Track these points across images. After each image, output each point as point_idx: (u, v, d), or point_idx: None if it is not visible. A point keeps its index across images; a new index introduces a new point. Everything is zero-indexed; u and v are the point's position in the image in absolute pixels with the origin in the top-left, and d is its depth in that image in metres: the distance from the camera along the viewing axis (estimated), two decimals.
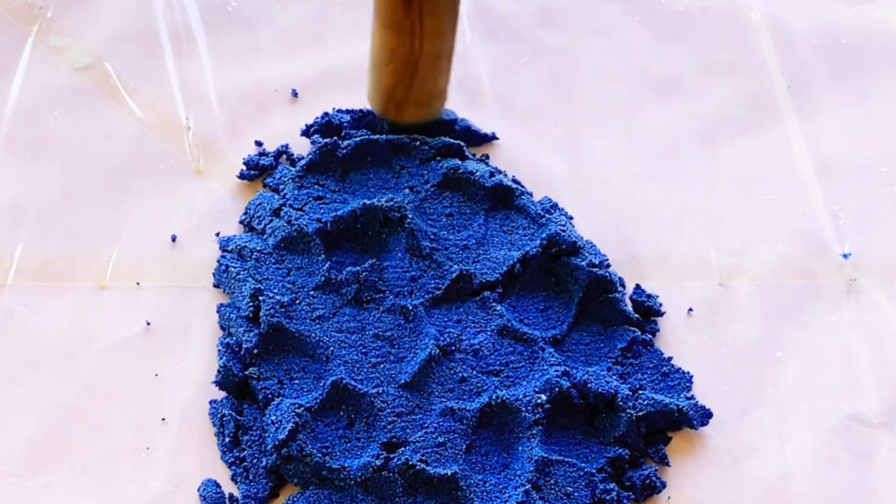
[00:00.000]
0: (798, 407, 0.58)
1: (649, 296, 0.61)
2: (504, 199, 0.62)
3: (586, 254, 0.60)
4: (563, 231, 0.60)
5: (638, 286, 0.61)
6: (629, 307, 0.60)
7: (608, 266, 0.61)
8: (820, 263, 0.63)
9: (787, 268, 0.63)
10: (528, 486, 0.53)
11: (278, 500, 0.54)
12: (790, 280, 0.63)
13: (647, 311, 0.60)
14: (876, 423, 0.58)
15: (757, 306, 0.61)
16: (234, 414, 0.55)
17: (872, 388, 0.59)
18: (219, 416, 0.56)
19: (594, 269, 0.59)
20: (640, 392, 0.56)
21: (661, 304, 0.61)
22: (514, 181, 0.64)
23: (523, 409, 0.55)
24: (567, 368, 0.56)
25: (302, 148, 0.66)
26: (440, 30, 0.58)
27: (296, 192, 0.62)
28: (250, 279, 0.59)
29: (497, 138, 0.67)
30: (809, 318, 0.61)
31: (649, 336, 0.59)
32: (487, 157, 0.66)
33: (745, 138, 0.68)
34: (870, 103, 0.70)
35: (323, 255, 0.59)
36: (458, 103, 0.68)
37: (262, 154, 0.65)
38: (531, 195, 0.63)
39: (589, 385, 0.55)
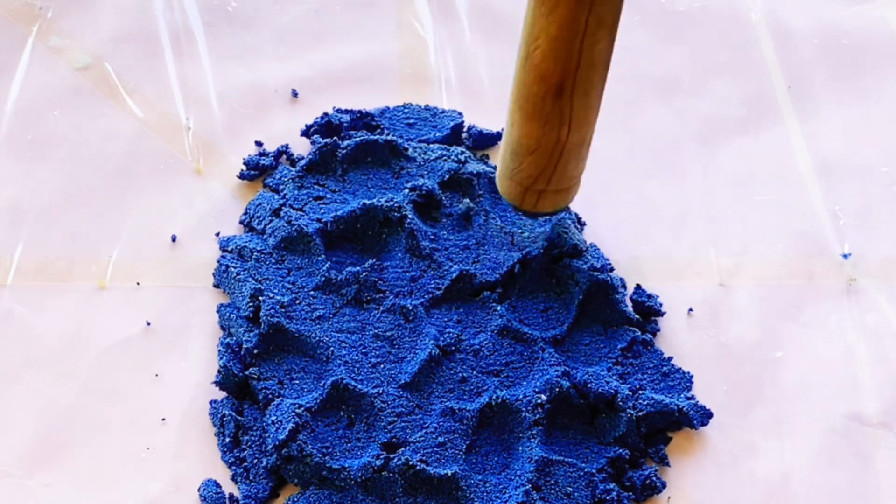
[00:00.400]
0: (798, 407, 0.58)
1: (650, 296, 0.61)
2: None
3: (588, 257, 0.60)
4: (566, 233, 0.60)
5: (638, 286, 0.61)
6: (629, 307, 0.60)
7: (611, 270, 0.61)
8: (820, 263, 0.63)
9: (787, 268, 0.63)
10: (529, 487, 0.53)
11: (278, 501, 0.54)
12: (790, 280, 0.63)
13: (648, 311, 0.60)
14: (876, 423, 0.58)
15: (757, 306, 0.61)
16: (234, 414, 0.55)
17: (872, 388, 0.59)
18: (219, 416, 0.56)
19: (595, 273, 0.59)
20: (640, 392, 0.56)
21: (661, 305, 0.61)
22: None
23: (523, 409, 0.55)
24: (567, 369, 0.56)
25: (302, 148, 0.66)
26: (589, 117, 0.54)
27: (296, 192, 0.62)
28: (250, 279, 0.59)
29: None
30: (809, 318, 0.61)
31: (649, 336, 0.59)
32: (487, 156, 0.66)
33: (745, 138, 0.68)
34: (870, 103, 0.70)
35: (323, 255, 0.59)
36: (459, 103, 0.68)
37: (262, 154, 0.65)
38: None
39: (589, 385, 0.56)
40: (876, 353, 0.60)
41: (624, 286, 0.60)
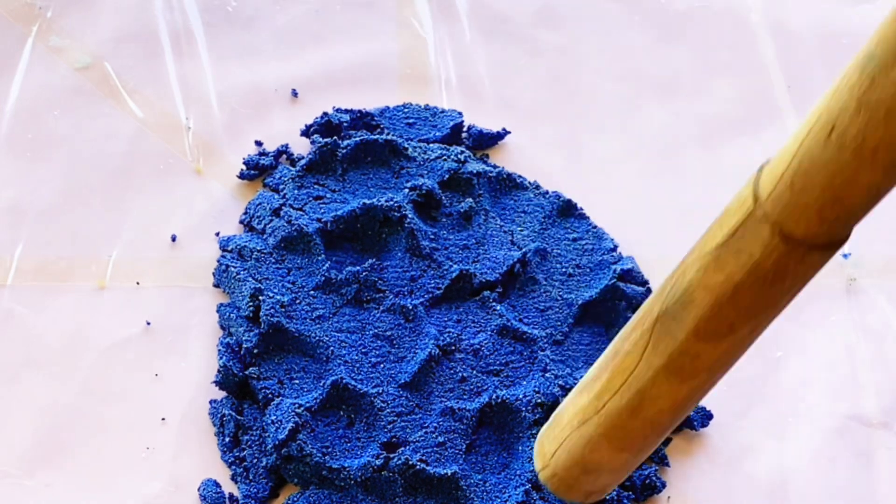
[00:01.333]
0: (798, 407, 0.58)
1: None
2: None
3: (635, 277, 0.60)
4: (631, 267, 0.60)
5: (648, 289, 0.61)
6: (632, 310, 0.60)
7: (644, 283, 0.61)
8: None
9: None
10: (529, 486, 0.53)
11: (278, 500, 0.54)
12: None
13: None
14: (876, 423, 0.58)
15: None
16: (234, 414, 0.55)
17: (872, 388, 0.59)
18: (219, 415, 0.56)
19: (641, 293, 0.59)
20: None
21: None
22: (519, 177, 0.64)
23: (523, 408, 0.55)
24: (568, 371, 0.56)
25: (302, 148, 0.66)
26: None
27: (296, 191, 0.62)
28: (250, 279, 0.59)
29: (509, 132, 0.67)
30: (809, 318, 0.61)
31: None
32: (487, 156, 0.66)
33: (745, 138, 0.68)
34: None
35: (323, 255, 0.59)
36: (459, 103, 0.68)
37: (262, 154, 0.65)
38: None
39: None
40: (876, 353, 0.60)
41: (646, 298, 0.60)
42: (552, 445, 0.48)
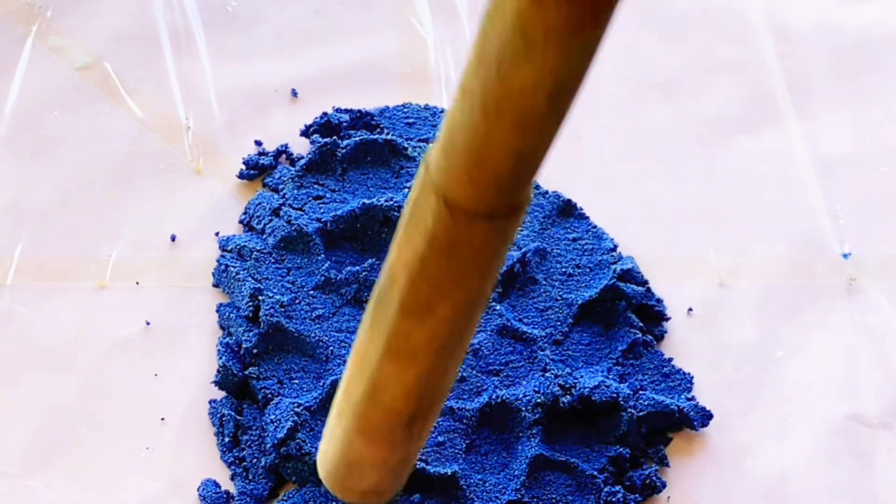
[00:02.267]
0: (798, 407, 0.58)
1: (658, 300, 0.60)
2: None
3: (635, 277, 0.60)
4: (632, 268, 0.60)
5: (648, 289, 0.61)
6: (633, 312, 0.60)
7: (644, 283, 0.61)
8: (820, 263, 0.63)
9: (787, 268, 0.63)
10: (524, 489, 0.53)
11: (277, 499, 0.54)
12: (790, 280, 0.63)
13: (655, 314, 0.60)
14: (876, 423, 0.58)
15: (757, 306, 0.61)
16: (233, 414, 0.55)
17: (872, 388, 0.59)
18: (218, 415, 0.56)
19: (640, 293, 0.59)
20: (640, 392, 0.56)
21: (665, 308, 0.60)
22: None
23: (523, 408, 0.55)
24: (568, 371, 0.56)
25: (301, 148, 0.66)
26: (431, 425, 0.45)
27: (295, 191, 0.62)
28: (250, 279, 0.59)
29: None
30: (809, 318, 0.61)
31: (650, 337, 0.59)
32: None
33: (745, 138, 0.68)
34: (870, 103, 0.70)
35: (323, 255, 0.59)
36: None
37: (262, 154, 0.65)
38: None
39: (592, 398, 0.55)
40: (876, 353, 0.60)
41: (645, 298, 0.60)
42: (324, 442, 0.47)
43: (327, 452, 0.46)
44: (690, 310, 0.61)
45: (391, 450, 0.44)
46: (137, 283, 0.61)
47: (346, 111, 0.66)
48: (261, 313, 0.57)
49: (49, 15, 0.71)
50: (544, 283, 0.60)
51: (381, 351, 0.40)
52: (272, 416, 0.54)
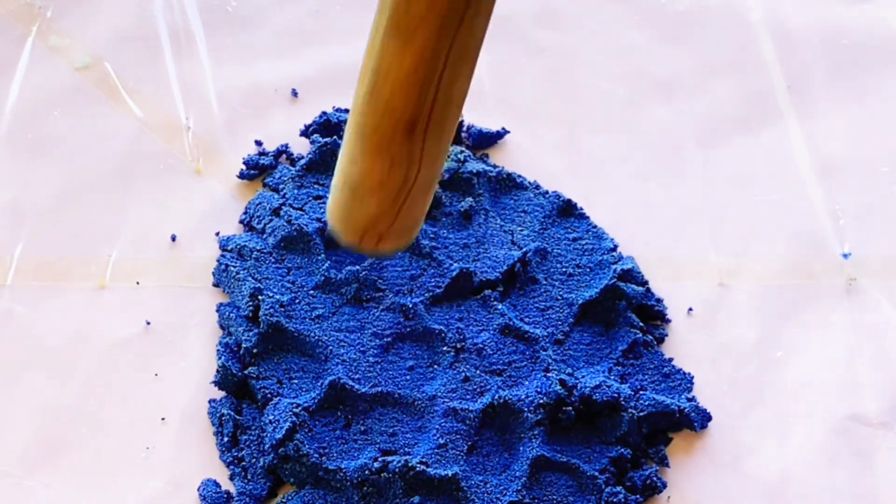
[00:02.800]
0: (798, 407, 0.58)
1: (658, 300, 0.60)
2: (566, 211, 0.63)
3: (635, 277, 0.60)
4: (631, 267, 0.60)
5: (648, 289, 0.61)
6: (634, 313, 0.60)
7: (644, 283, 0.61)
8: (820, 263, 0.63)
9: (787, 268, 0.63)
10: (525, 490, 0.53)
11: (276, 500, 0.54)
12: (790, 280, 0.63)
13: (655, 314, 0.60)
14: (876, 423, 0.58)
15: (757, 306, 0.61)
16: (233, 413, 0.55)
17: (872, 388, 0.59)
18: (218, 415, 0.56)
19: (640, 293, 0.59)
20: (641, 392, 0.56)
21: (665, 308, 0.60)
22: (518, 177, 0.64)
23: (525, 409, 0.55)
24: (569, 371, 0.56)
25: (301, 148, 0.66)
26: (440, 154, 0.47)
27: (295, 191, 0.62)
28: (250, 278, 0.59)
29: (508, 131, 0.67)
30: (809, 318, 0.61)
31: (650, 337, 0.59)
32: (487, 156, 0.66)
33: (745, 138, 0.68)
34: (870, 103, 0.70)
35: (323, 255, 0.59)
36: None
37: (262, 154, 0.65)
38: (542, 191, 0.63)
39: (594, 398, 0.55)
40: (876, 353, 0.60)
41: (645, 298, 0.60)
42: (331, 192, 0.50)
43: (333, 191, 0.49)
44: (690, 310, 0.61)
45: (390, 163, 0.46)
46: (137, 283, 0.61)
47: (346, 111, 0.66)
48: (261, 313, 0.57)
49: (49, 15, 0.71)
50: (545, 282, 0.60)
51: (385, 30, 0.42)
52: (271, 417, 0.54)
